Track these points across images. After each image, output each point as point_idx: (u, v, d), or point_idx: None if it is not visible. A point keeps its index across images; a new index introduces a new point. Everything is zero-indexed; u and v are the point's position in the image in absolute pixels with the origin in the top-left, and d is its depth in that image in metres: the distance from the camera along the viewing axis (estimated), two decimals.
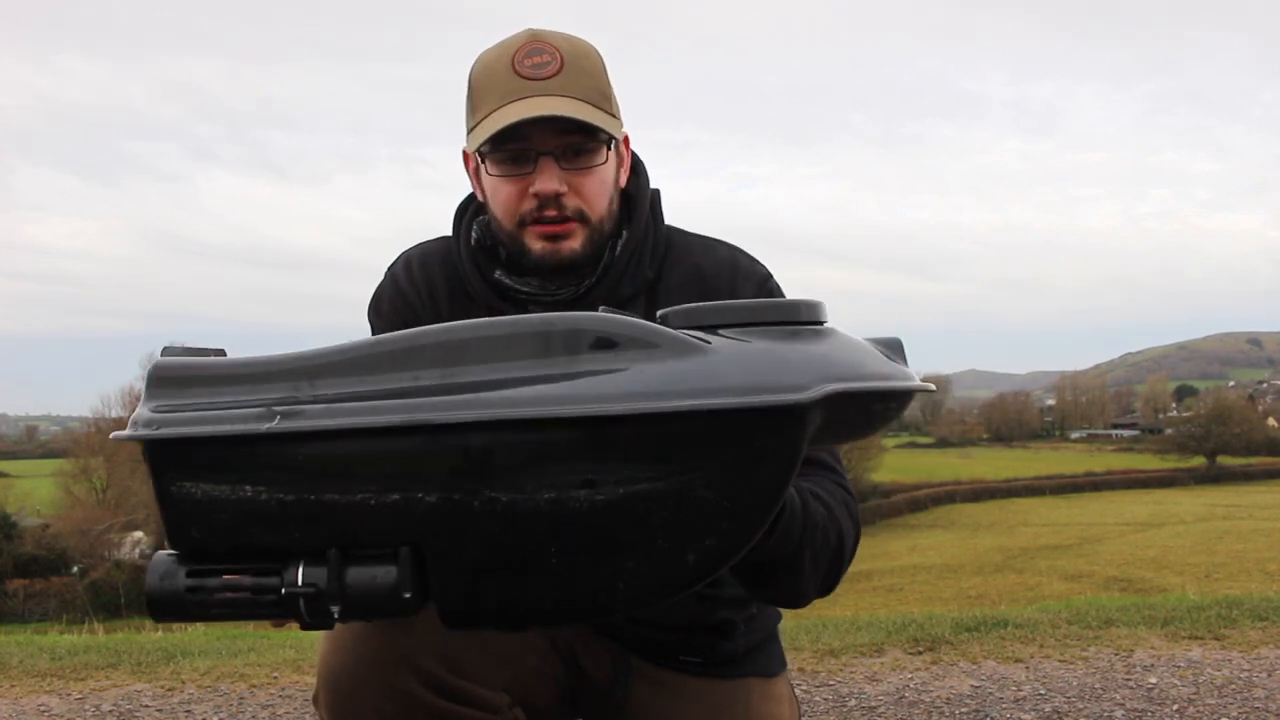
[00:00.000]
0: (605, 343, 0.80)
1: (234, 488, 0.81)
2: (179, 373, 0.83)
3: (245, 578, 0.82)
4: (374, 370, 0.81)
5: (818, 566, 1.11)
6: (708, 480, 0.79)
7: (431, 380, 0.80)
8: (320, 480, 0.80)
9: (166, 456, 0.81)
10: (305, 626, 0.83)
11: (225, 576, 0.82)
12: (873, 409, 0.88)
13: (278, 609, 0.81)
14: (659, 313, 0.87)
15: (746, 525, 0.81)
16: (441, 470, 0.79)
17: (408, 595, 0.80)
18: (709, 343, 0.82)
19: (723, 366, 0.79)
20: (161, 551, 0.85)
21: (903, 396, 0.89)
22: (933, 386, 0.94)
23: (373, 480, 0.79)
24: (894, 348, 0.94)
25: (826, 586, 1.15)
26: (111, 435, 0.87)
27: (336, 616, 0.81)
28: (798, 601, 1.14)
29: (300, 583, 0.80)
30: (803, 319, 0.86)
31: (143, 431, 0.81)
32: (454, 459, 0.78)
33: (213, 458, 0.81)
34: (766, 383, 0.78)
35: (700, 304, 0.87)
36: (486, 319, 0.84)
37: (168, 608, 0.83)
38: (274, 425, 0.79)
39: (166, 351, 0.86)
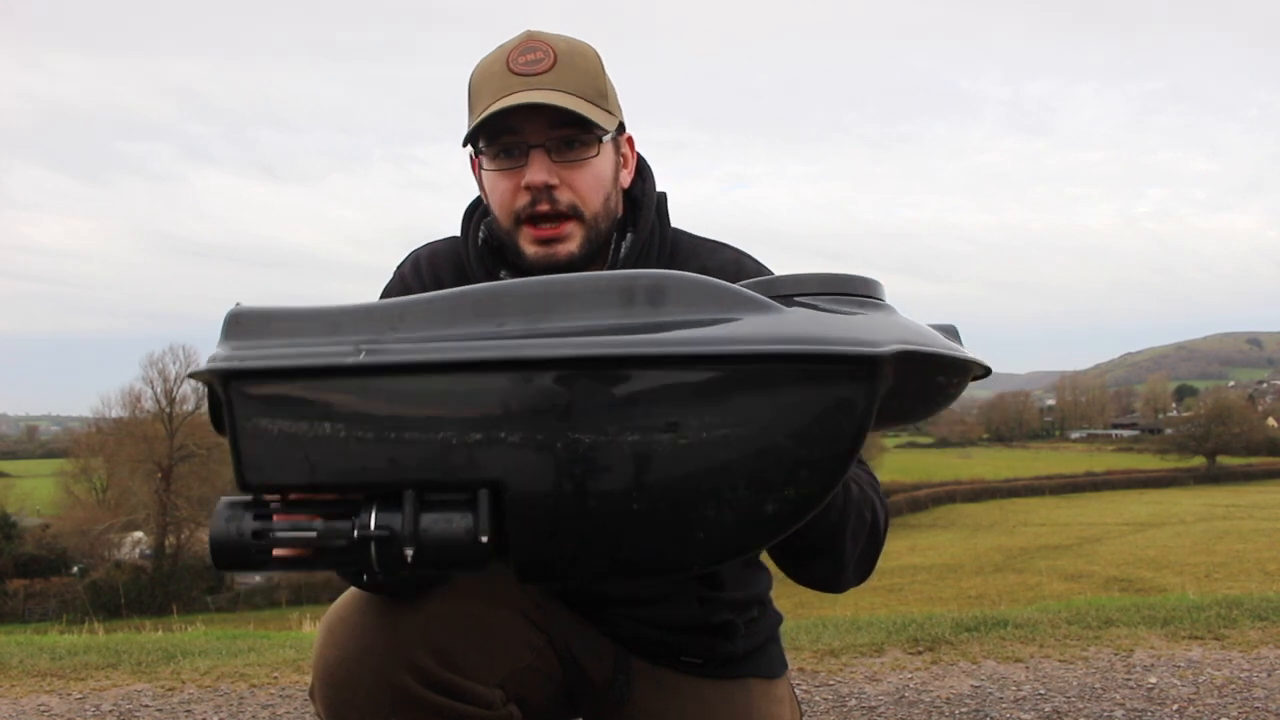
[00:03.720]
0: (687, 298, 0.82)
1: (313, 424, 0.79)
2: (257, 316, 0.83)
3: (316, 520, 0.80)
4: (458, 318, 0.82)
5: (857, 544, 1.12)
6: (788, 428, 0.79)
7: (517, 327, 0.80)
8: (403, 418, 0.79)
9: (245, 391, 0.79)
10: (372, 579, 0.80)
11: (295, 518, 0.80)
12: (936, 381, 0.90)
13: (347, 555, 0.80)
14: (745, 281, 0.89)
15: (823, 477, 0.82)
16: (526, 410, 0.78)
17: (484, 539, 0.79)
18: (786, 307, 0.84)
19: (802, 323, 0.82)
20: (226, 498, 0.84)
21: (963, 372, 0.91)
22: (990, 366, 0.95)
23: (456, 419, 0.79)
24: (950, 332, 0.96)
25: (864, 568, 1.16)
26: (188, 372, 0.86)
27: (409, 561, 0.79)
28: (837, 584, 1.14)
29: (373, 526, 0.79)
30: (867, 294, 0.89)
31: (222, 364, 0.79)
32: (540, 398, 0.78)
33: (294, 392, 0.79)
34: (845, 337, 0.80)
35: (772, 276, 0.90)
36: (572, 274, 0.84)
37: (232, 554, 0.81)
38: (361, 358, 0.78)
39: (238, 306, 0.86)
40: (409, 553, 0.78)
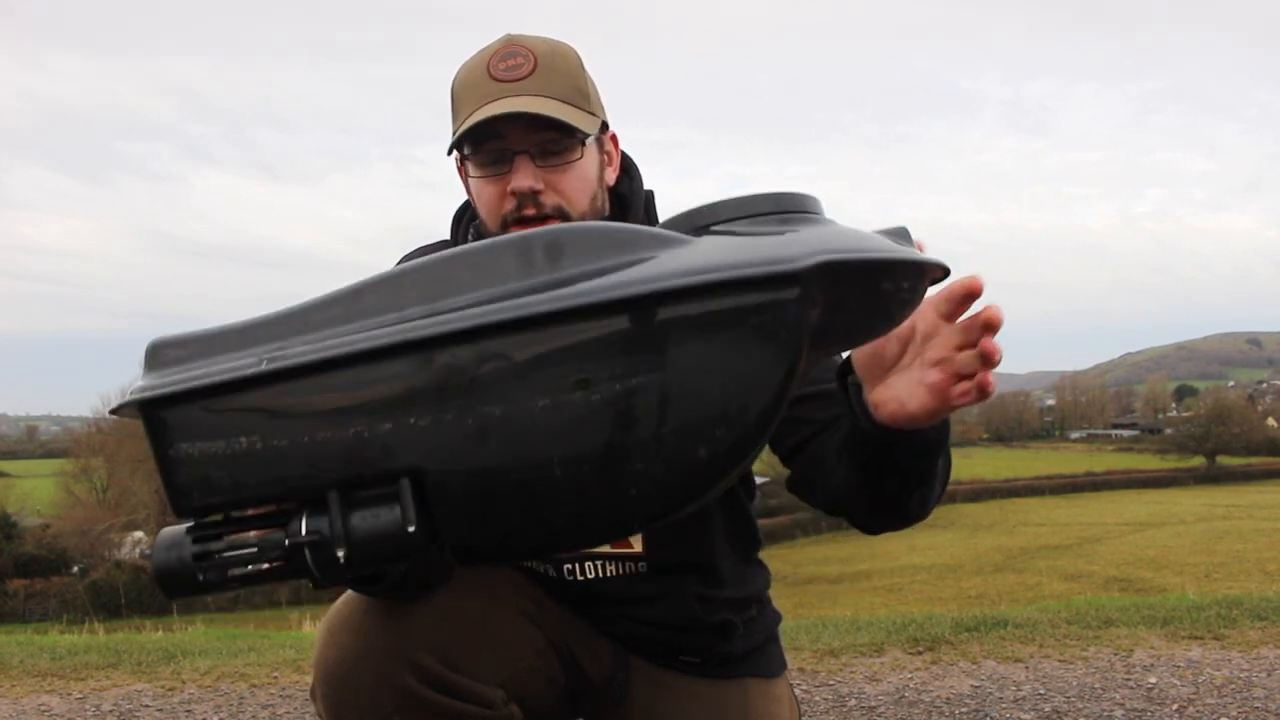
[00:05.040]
0: (587, 248, 0.78)
1: (229, 441, 0.78)
2: (174, 343, 0.83)
3: (251, 536, 0.80)
4: (361, 310, 0.80)
5: (942, 474, 1.08)
6: (706, 366, 0.76)
7: (419, 310, 0.78)
8: (313, 420, 0.78)
9: (161, 419, 0.79)
10: (318, 585, 0.80)
11: (231, 537, 0.80)
12: (882, 288, 0.84)
13: (288, 566, 0.79)
14: (663, 221, 0.85)
15: (758, 412, 0.78)
16: (431, 391, 0.76)
17: (412, 529, 0.77)
18: (696, 239, 0.80)
19: (708, 253, 0.77)
20: (168, 527, 0.83)
21: (911, 273, 0.85)
22: (946, 264, 0.87)
23: (363, 412, 0.77)
24: (900, 235, 0.89)
25: (930, 506, 1.11)
26: (109, 409, 0.86)
27: (343, 562, 0.78)
28: (911, 516, 1.10)
29: (304, 532, 0.78)
30: (796, 209, 0.83)
31: (136, 395, 0.79)
32: (443, 376, 0.76)
33: (206, 412, 0.79)
34: (756, 259, 0.75)
35: (697, 206, 0.85)
36: (469, 245, 0.83)
37: (178, 581, 0.80)
38: (262, 367, 0.77)
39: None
40: (340, 554, 0.77)
